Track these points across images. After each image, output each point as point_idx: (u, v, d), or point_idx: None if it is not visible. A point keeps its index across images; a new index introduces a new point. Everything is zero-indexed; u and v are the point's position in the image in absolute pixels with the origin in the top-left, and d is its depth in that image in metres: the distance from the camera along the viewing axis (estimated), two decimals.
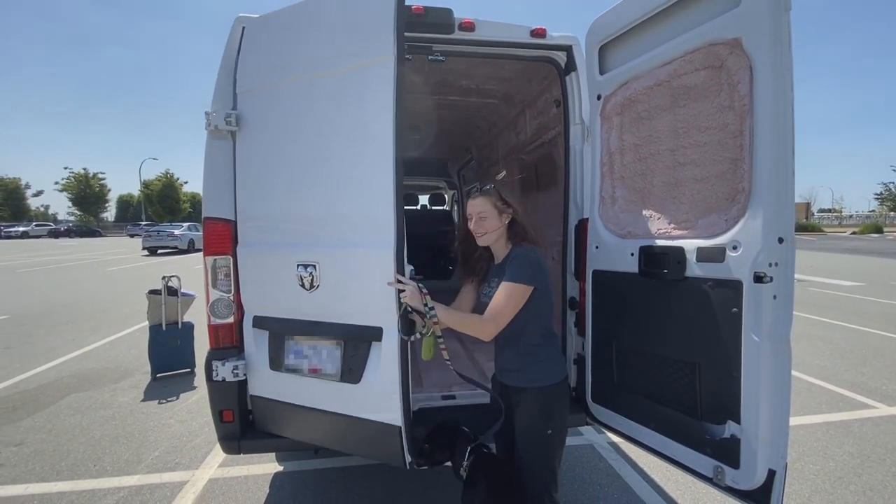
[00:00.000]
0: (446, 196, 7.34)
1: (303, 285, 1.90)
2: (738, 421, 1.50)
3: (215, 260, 2.06)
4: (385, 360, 1.77)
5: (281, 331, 2.04)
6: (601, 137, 2.09)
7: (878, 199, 62.07)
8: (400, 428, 1.75)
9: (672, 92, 1.75)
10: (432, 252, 6.67)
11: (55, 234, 43.06)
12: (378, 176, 1.72)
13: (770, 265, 1.41)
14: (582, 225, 2.29)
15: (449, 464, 1.86)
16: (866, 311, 7.45)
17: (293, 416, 2.03)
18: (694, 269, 1.63)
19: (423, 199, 7.35)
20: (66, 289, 10.71)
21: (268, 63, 1.96)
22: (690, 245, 1.64)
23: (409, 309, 1.65)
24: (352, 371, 1.87)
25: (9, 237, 40.10)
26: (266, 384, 2.08)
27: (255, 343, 2.08)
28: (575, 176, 2.37)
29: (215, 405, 2.09)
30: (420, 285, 1.65)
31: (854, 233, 38.08)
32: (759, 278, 1.42)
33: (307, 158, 1.90)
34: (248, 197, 2.04)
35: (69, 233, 44.31)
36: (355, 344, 1.87)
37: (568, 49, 2.36)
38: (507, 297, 1.60)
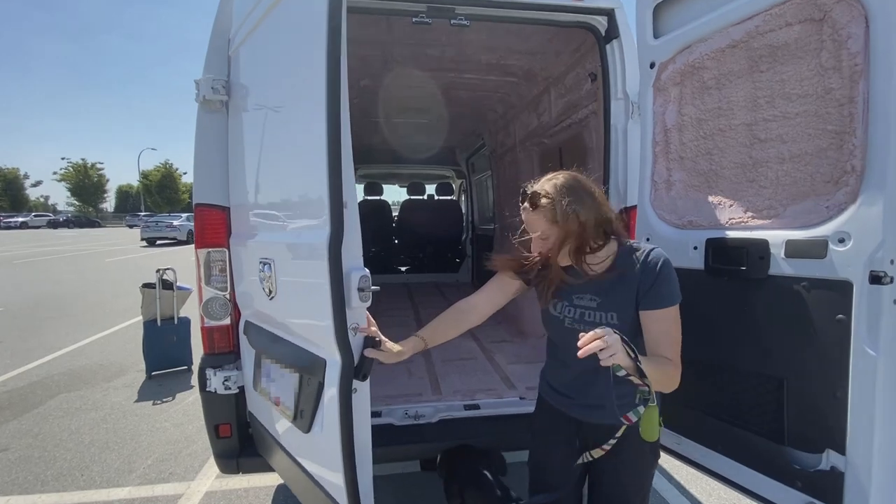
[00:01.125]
0: (454, 185, 7.05)
1: (264, 288, 1.54)
2: (841, 451, 1.24)
3: (209, 253, 1.79)
4: (329, 409, 1.30)
5: (257, 344, 1.73)
6: (654, 112, 1.80)
7: None
8: None
9: (751, 54, 1.46)
10: (439, 244, 6.45)
11: (54, 225, 42.82)
12: (311, 137, 1.22)
13: (892, 262, 1.14)
14: (626, 214, 2.02)
15: None
16: None
17: (273, 447, 1.71)
18: (781, 267, 1.35)
19: (430, 189, 7.07)
20: (63, 280, 10.47)
21: (250, 6, 1.58)
22: (777, 237, 1.37)
23: (625, 374, 0.99)
24: (303, 414, 1.43)
25: (8, 227, 39.85)
26: (252, 402, 1.82)
27: (246, 353, 1.82)
28: (616, 158, 2.09)
29: (210, 419, 1.84)
30: (616, 331, 1.01)
31: None
32: (876, 279, 1.15)
33: (268, 122, 1.57)
34: (234, 178, 1.76)
35: (68, 223, 44.07)
36: (308, 379, 1.42)
37: (609, 13, 2.06)
38: (678, 326, 1.20)
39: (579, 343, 0.99)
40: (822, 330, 1.26)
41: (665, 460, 2.83)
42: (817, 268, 1.27)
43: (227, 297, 1.82)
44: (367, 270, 1.27)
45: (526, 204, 1.24)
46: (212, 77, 1.68)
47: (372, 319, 1.32)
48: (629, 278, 1.22)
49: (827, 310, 1.24)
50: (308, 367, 1.40)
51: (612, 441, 1.11)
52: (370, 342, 1.28)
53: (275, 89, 1.51)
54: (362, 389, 1.30)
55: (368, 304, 1.27)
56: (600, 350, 0.97)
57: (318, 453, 1.41)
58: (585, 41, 2.39)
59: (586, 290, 1.28)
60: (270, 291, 1.51)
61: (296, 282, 1.43)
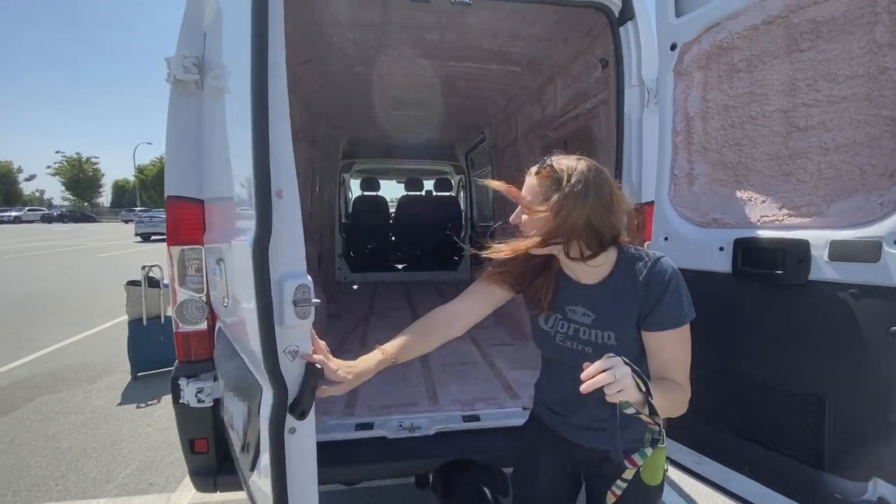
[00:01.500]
0: (453, 181, 6.88)
1: (220, 293, 1.34)
2: (892, 480, 1.09)
3: (182, 251, 1.62)
4: (263, 450, 1.08)
5: (219, 357, 1.56)
6: (675, 99, 1.64)
7: None
8: None
9: (790, 31, 1.30)
10: (437, 241, 6.29)
11: (48, 220, 42.39)
12: (242, 108, 1.00)
13: None
14: (640, 211, 1.86)
15: None
16: None
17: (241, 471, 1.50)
18: (823, 271, 1.20)
19: (429, 185, 6.90)
20: (53, 276, 10.27)
21: None
22: (818, 237, 1.21)
23: (634, 412, 0.86)
24: (248, 448, 1.19)
25: (1, 222, 39.39)
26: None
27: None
28: (630, 150, 1.93)
29: (184, 433, 1.68)
30: (626, 361, 0.86)
31: None
32: None
33: (225, 100, 1.38)
34: (207, 168, 1.59)
35: (62, 218, 43.64)
36: (253, 408, 1.17)
37: None
38: (688, 347, 1.06)
39: (583, 375, 0.83)
40: (873, 344, 1.10)
41: (673, 472, 2.69)
42: (869, 273, 1.11)
43: (203, 299, 1.65)
44: (309, 278, 1.03)
45: (534, 168, 1.09)
46: (183, 54, 1.50)
47: (319, 341, 1.07)
48: (630, 293, 1.05)
49: (880, 321, 1.09)
50: (250, 394, 1.16)
51: (623, 484, 0.96)
52: (313, 372, 1.01)
53: (225, 60, 1.31)
54: (303, 429, 1.03)
55: (310, 321, 1.03)
56: (607, 384, 0.81)
57: (259, 496, 1.17)
58: (596, 24, 2.23)
59: (578, 301, 1.12)
60: (224, 298, 1.31)
61: (236, 289, 1.22)
